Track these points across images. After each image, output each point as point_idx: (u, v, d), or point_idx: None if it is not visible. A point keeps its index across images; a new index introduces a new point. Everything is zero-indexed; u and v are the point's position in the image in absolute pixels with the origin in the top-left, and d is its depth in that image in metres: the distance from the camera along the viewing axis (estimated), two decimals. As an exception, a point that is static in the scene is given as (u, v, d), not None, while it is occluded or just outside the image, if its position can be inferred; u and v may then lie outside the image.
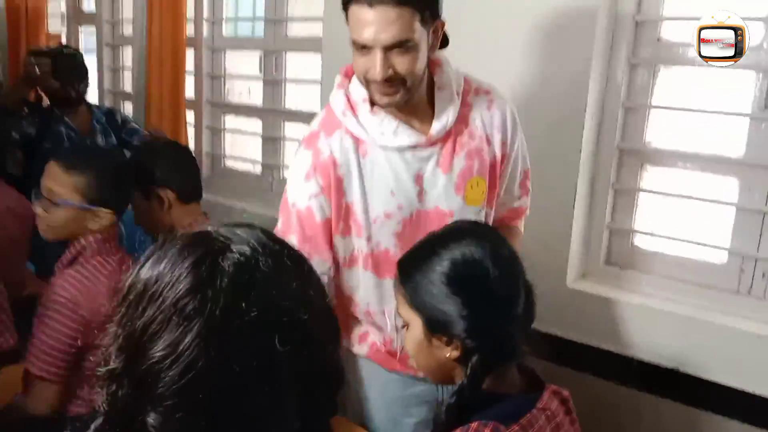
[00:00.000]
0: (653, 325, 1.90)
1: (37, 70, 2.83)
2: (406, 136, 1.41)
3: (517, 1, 1.96)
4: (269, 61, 2.91)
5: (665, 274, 1.96)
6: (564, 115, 1.92)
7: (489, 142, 1.48)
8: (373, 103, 1.41)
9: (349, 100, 1.44)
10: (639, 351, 1.92)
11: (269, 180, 2.96)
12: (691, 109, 1.91)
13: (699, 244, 1.92)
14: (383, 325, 1.52)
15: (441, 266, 1.06)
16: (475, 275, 1.06)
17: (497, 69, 1.86)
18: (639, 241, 2.03)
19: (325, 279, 1.43)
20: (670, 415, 1.89)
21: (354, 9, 1.29)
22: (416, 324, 1.10)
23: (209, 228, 0.71)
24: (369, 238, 1.45)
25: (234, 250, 0.67)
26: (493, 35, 2.00)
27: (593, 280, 2.04)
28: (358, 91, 1.43)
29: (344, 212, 1.44)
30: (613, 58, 1.92)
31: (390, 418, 1.59)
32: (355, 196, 1.43)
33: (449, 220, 1.42)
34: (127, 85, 3.57)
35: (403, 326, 1.15)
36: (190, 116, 3.16)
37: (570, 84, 1.90)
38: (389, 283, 1.36)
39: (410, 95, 1.37)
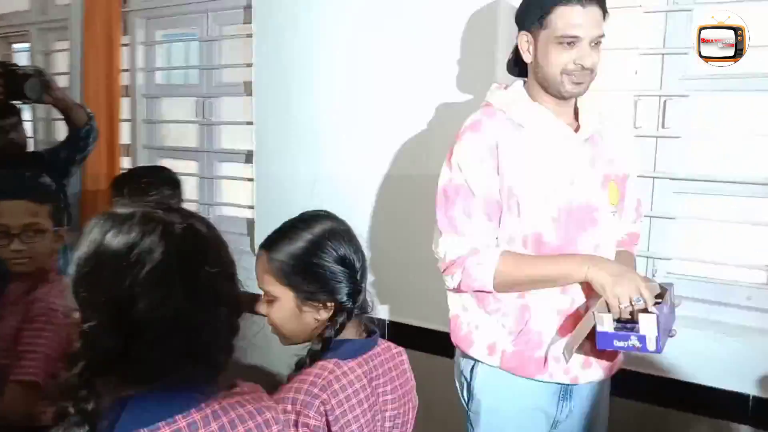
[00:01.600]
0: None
1: None
2: (561, 128, 1.59)
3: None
4: (203, 106, 3.09)
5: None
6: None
7: (618, 157, 1.67)
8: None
9: (509, 96, 1.61)
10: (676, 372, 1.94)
11: (206, 215, 3.08)
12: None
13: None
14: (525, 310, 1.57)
15: (312, 242, 1.29)
16: (345, 247, 1.30)
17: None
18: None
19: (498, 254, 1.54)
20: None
21: (564, 9, 1.50)
22: (287, 297, 1.30)
23: (148, 209, 0.90)
24: (526, 220, 1.55)
25: (180, 221, 0.89)
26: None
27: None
28: (515, 91, 1.62)
29: (506, 193, 1.55)
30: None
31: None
32: (514, 178, 1.55)
33: (596, 215, 1.58)
34: (62, 135, 3.63)
35: (265, 301, 1.32)
36: (127, 161, 3.28)
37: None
38: None
39: (587, 87, 1.57)
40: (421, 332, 2.28)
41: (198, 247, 0.89)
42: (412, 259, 2.22)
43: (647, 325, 1.37)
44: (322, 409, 1.18)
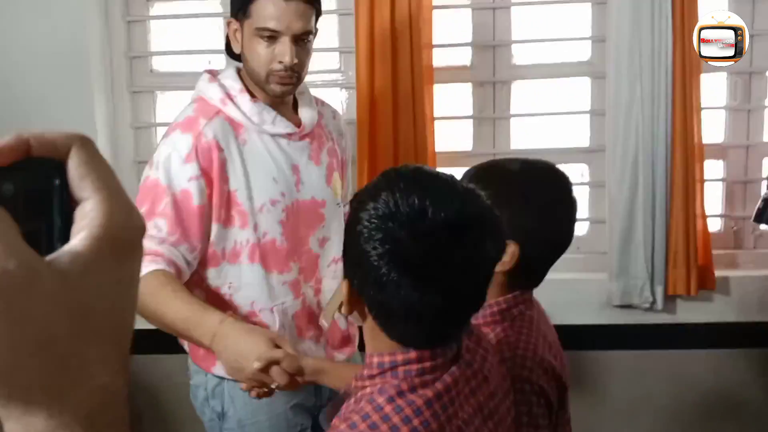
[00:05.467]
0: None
1: None
2: (283, 125, 1.51)
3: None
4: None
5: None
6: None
7: (338, 144, 1.66)
8: (251, 95, 1.50)
9: (225, 91, 1.49)
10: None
11: None
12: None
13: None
14: (270, 324, 1.49)
15: None
16: None
17: None
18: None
19: (186, 269, 1.42)
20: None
21: (264, 1, 1.41)
22: None
23: None
24: (255, 227, 1.47)
25: None
26: None
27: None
28: (233, 84, 1.50)
29: (226, 200, 1.45)
30: (115, 87, 2.25)
31: None
32: (237, 183, 1.45)
33: (322, 211, 1.56)
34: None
35: None
36: None
37: (77, 111, 2.15)
38: (276, 277, 1.49)
39: (296, 88, 1.53)
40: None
41: None
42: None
43: None
44: None
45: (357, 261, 0.87)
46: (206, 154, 1.43)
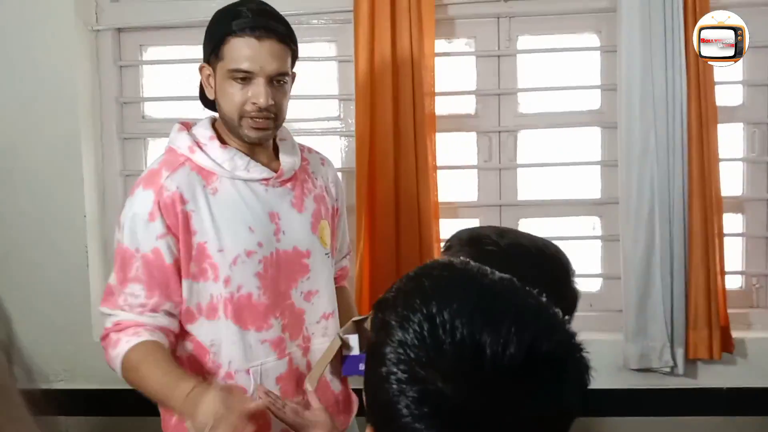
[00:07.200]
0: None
1: None
2: (258, 170, 1.43)
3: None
4: None
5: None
6: (62, 184, 2.10)
7: (327, 192, 1.57)
8: (222, 142, 1.43)
9: (194, 140, 1.44)
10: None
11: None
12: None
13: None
14: (246, 387, 1.39)
15: None
16: None
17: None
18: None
19: (175, 326, 1.39)
20: None
21: (237, 41, 1.35)
22: None
23: None
24: (227, 281, 1.38)
25: None
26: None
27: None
28: (203, 132, 1.44)
29: (197, 253, 1.38)
30: (104, 134, 2.18)
31: None
32: (207, 235, 1.37)
33: (307, 262, 1.46)
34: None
35: None
36: None
37: (63, 157, 2.09)
38: (254, 336, 1.38)
39: (274, 133, 1.45)
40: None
41: None
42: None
43: None
44: None
45: (382, 409, 0.65)
46: (169, 209, 1.36)
